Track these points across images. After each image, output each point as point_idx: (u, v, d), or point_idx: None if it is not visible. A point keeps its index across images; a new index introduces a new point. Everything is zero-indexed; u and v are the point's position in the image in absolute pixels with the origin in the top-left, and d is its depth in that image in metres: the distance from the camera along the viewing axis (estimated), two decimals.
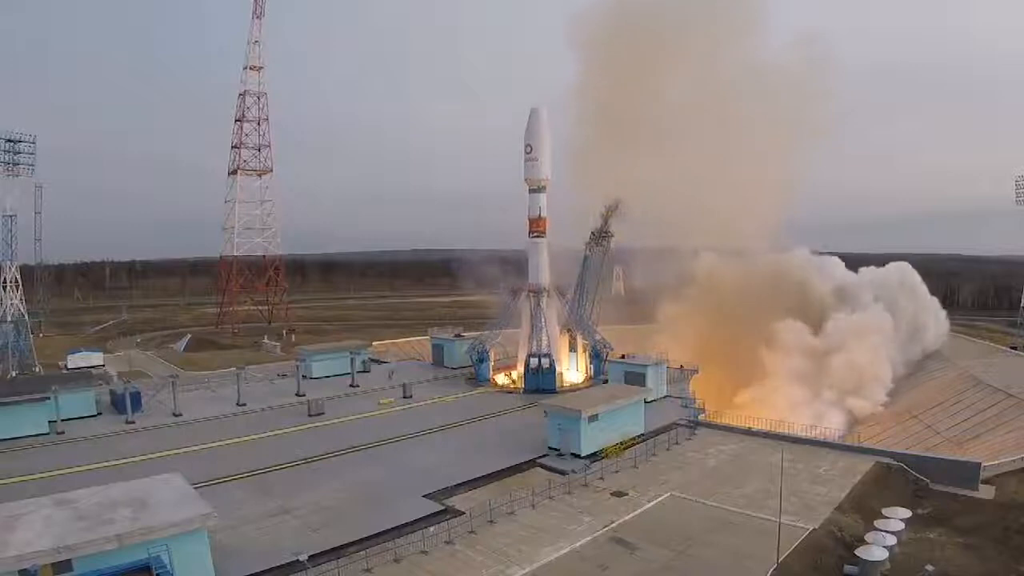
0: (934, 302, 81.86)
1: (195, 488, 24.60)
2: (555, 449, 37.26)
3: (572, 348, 59.89)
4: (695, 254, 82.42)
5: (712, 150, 72.28)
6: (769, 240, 76.90)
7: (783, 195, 75.00)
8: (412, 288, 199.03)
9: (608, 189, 57.34)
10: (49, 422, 41.51)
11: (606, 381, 52.77)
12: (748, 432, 41.61)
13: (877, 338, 69.56)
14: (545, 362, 54.62)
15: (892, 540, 25.31)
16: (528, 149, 53.29)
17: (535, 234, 55.40)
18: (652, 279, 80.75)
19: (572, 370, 59.43)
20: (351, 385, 56.27)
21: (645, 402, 42.84)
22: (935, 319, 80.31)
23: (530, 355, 55.33)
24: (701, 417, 45.00)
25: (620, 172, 62.86)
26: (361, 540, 25.86)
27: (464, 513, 28.70)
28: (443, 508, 29.81)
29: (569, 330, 60.10)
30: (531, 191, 54.50)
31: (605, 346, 57.17)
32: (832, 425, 50.02)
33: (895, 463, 35.05)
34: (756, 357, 68.53)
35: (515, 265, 60.57)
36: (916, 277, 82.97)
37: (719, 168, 73.13)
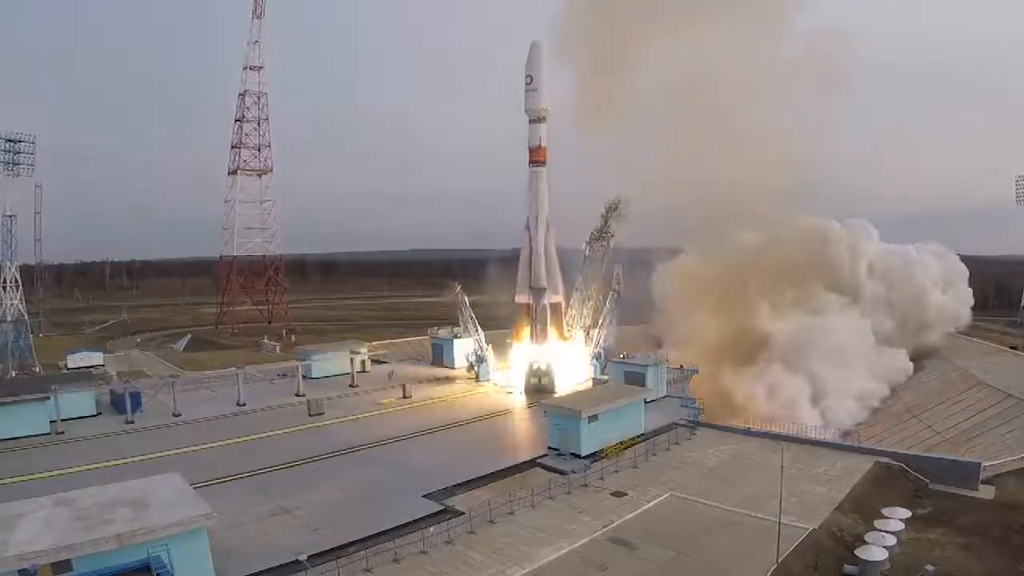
0: (941, 300, 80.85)
1: (195, 488, 24.59)
2: (555, 449, 37.21)
3: (572, 347, 59.92)
4: (675, 255, 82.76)
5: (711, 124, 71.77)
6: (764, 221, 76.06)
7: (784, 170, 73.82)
8: (412, 288, 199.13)
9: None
10: (49, 422, 41.51)
11: (606, 381, 52.76)
12: (748, 432, 41.60)
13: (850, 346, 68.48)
14: (544, 368, 54.60)
15: (892, 540, 25.30)
16: (528, 80, 54.56)
17: (535, 163, 56.43)
18: (644, 280, 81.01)
19: (572, 370, 59.38)
20: (351, 385, 56.27)
21: (645, 402, 42.85)
22: (938, 317, 79.66)
23: (530, 360, 55.26)
24: (700, 417, 44.99)
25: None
26: (361, 540, 25.85)
27: (464, 513, 28.68)
28: (443, 508, 29.81)
29: (569, 329, 60.11)
30: (531, 121, 55.53)
31: (607, 348, 57.29)
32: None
33: (895, 463, 35.00)
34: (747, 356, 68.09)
35: (514, 264, 60.59)
36: (927, 267, 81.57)
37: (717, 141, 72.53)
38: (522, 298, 57.33)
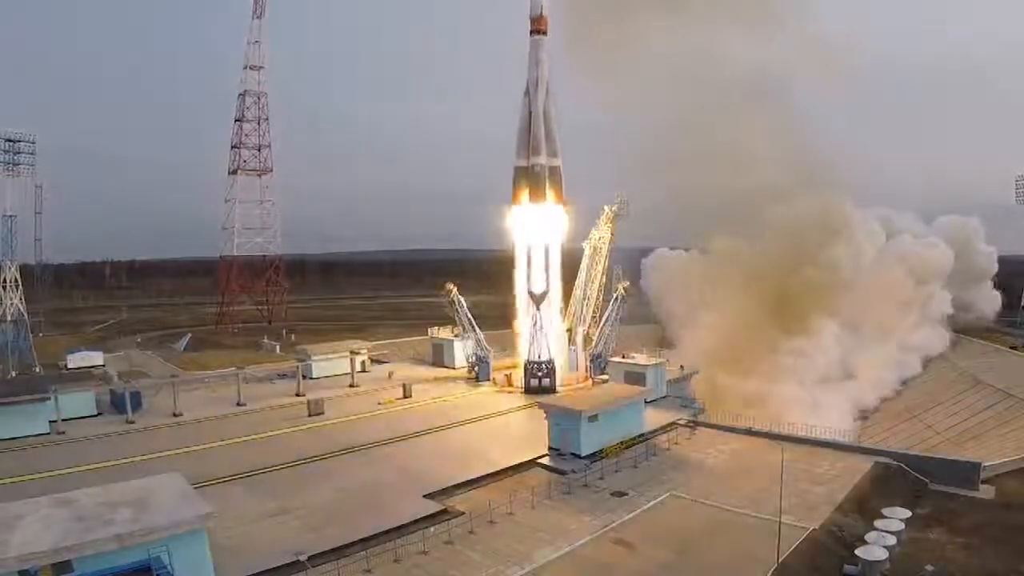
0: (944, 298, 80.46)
1: (195, 488, 24.58)
2: (555, 449, 37.24)
3: (572, 346, 59.94)
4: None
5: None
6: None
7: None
8: (412, 288, 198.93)
9: None
10: (49, 422, 41.53)
11: (606, 381, 52.79)
12: (748, 432, 41.56)
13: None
14: (544, 368, 54.61)
15: (892, 540, 25.34)
16: None
17: (536, 32, 57.17)
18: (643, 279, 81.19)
19: (572, 369, 59.41)
20: (351, 385, 56.30)
21: (645, 402, 42.83)
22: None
23: (530, 361, 55.27)
24: (700, 417, 45.01)
25: None
26: (361, 540, 25.88)
27: (464, 513, 28.73)
28: (443, 508, 29.83)
29: (569, 329, 60.14)
30: None
31: (608, 349, 57.33)
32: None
33: (895, 463, 35.04)
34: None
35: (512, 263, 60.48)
36: (927, 264, 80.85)
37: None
38: (520, 162, 57.81)
